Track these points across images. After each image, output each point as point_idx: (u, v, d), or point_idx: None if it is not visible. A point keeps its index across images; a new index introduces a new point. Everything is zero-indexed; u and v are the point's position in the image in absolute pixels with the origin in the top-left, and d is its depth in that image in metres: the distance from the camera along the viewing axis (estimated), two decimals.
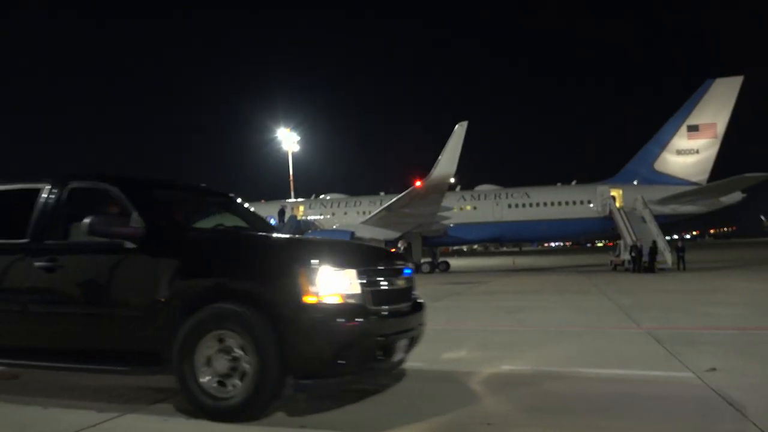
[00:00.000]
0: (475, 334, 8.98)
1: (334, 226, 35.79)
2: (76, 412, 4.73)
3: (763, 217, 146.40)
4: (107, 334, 4.76)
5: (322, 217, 37.55)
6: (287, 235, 6.64)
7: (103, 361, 4.75)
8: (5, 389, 5.72)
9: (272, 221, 36.04)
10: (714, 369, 5.70)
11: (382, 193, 38.46)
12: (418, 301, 5.36)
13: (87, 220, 4.56)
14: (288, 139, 48.02)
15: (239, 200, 6.64)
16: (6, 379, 6.20)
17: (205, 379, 4.35)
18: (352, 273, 4.46)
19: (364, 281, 4.52)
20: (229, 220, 6.20)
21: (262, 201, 40.45)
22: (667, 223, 32.86)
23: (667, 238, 31.22)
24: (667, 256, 27.85)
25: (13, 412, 4.85)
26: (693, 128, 33.18)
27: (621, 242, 31.24)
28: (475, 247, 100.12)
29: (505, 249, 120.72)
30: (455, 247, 68.72)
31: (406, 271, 5.21)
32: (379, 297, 4.64)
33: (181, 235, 5.23)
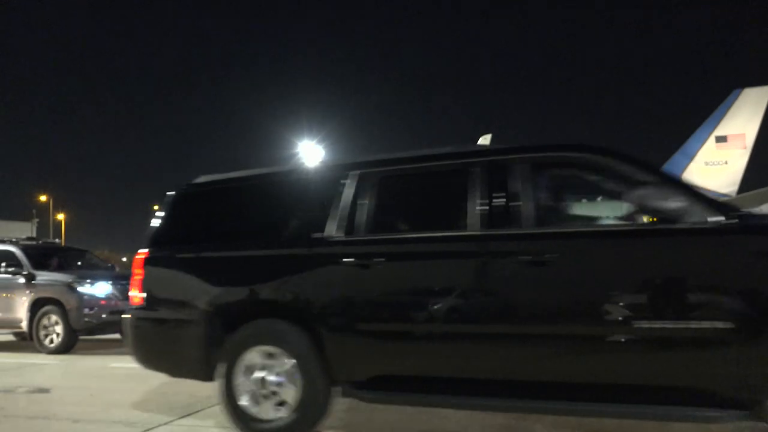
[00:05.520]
0: None
1: None
2: (104, 427, 4.79)
3: None
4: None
5: None
6: None
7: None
8: (36, 402, 5.81)
9: None
10: None
11: None
12: None
13: None
14: (312, 153, 48.37)
15: None
16: (37, 393, 6.28)
17: None
18: None
19: None
20: None
21: None
22: None
23: None
24: None
25: (42, 427, 4.91)
26: (721, 139, 32.62)
27: None
28: None
29: None
30: None
31: None
32: None
33: None
